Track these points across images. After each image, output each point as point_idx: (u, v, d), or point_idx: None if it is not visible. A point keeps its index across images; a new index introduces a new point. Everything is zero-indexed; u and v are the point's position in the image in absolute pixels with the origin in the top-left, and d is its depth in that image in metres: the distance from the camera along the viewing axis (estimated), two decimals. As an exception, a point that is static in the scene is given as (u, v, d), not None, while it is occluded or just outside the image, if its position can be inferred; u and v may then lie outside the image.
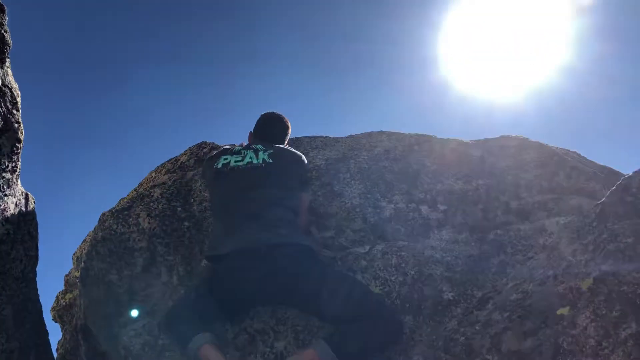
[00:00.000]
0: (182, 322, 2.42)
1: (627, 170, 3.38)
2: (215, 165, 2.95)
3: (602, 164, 3.69)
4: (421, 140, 3.75)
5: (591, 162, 3.65)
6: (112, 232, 3.10)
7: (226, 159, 2.94)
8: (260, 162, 2.85)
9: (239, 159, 2.89)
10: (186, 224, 3.19)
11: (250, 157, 2.87)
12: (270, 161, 2.86)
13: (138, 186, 3.83)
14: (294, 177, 2.94)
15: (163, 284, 2.97)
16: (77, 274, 3.55)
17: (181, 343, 2.35)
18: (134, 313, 2.86)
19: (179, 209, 3.26)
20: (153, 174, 3.92)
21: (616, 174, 3.44)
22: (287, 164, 2.92)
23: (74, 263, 4.03)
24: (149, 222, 3.13)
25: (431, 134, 3.82)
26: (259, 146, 2.98)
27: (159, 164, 3.98)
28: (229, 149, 3.04)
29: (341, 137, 3.89)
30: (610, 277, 1.98)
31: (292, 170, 2.94)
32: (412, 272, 2.78)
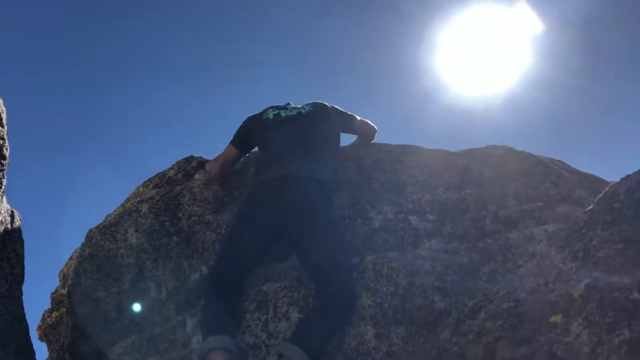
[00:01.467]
0: (209, 309, 2.66)
1: (609, 179, 3.43)
2: (265, 117, 3.32)
3: (585, 172, 3.74)
4: (408, 151, 3.77)
5: (575, 170, 3.70)
6: (100, 249, 3.06)
7: (275, 112, 3.32)
8: (307, 111, 3.33)
9: (287, 111, 3.33)
10: (175, 238, 3.16)
11: (297, 109, 3.35)
12: (312, 109, 3.36)
13: (125, 201, 3.79)
14: (333, 121, 3.40)
15: (152, 299, 2.94)
16: (64, 291, 3.49)
17: (202, 333, 2.56)
18: (137, 307, 2.87)
19: (167, 223, 3.23)
20: (140, 189, 3.89)
21: (601, 182, 3.49)
22: (325, 112, 3.41)
23: (60, 280, 3.97)
24: (137, 238, 3.10)
25: (418, 145, 3.84)
26: (299, 106, 3.46)
27: (146, 179, 3.95)
28: (274, 105, 3.43)
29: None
30: (602, 284, 2.00)
31: (329, 115, 3.40)
32: (404, 283, 2.78)
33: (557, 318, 2.05)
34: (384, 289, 2.75)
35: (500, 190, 3.39)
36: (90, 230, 3.23)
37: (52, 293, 3.98)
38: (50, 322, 3.76)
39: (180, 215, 3.31)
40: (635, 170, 2.50)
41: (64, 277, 3.89)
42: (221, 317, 2.56)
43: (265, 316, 2.71)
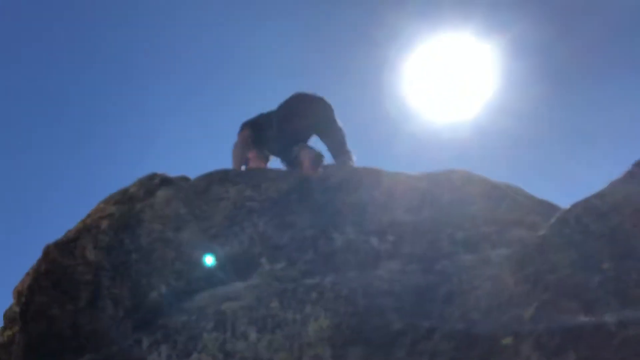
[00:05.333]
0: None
1: (568, 202, 3.55)
2: None
3: (540, 198, 3.86)
4: (371, 173, 3.84)
5: (531, 195, 3.82)
6: (57, 265, 3.01)
7: None
8: None
9: None
10: (134, 256, 3.13)
11: None
12: None
13: (85, 217, 3.73)
14: None
15: (109, 317, 2.90)
16: (18, 309, 3.41)
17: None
18: (209, 260, 3.05)
19: (126, 240, 3.20)
20: (101, 205, 3.84)
21: (554, 208, 3.61)
22: None
23: (14, 298, 3.86)
24: (95, 255, 3.06)
25: (380, 168, 3.91)
26: None
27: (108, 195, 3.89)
28: None
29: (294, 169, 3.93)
30: (550, 307, 2.08)
31: None
32: (362, 303, 2.81)
33: (508, 340, 2.11)
34: (343, 310, 2.78)
35: (458, 213, 3.47)
36: (47, 246, 3.17)
37: (6, 311, 3.87)
38: (2, 341, 3.65)
39: (141, 232, 3.28)
40: (590, 195, 2.62)
41: (18, 295, 3.79)
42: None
43: (222, 336, 2.71)
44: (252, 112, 4.89)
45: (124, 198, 3.73)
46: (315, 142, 4.65)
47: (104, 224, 3.27)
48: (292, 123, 4.51)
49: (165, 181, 3.78)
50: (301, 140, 4.39)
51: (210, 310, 2.86)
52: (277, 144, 4.62)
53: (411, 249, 3.31)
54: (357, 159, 4.56)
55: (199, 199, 3.54)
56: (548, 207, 3.62)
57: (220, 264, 3.16)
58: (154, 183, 3.78)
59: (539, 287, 2.18)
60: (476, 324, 2.24)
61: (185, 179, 3.65)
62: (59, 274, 2.97)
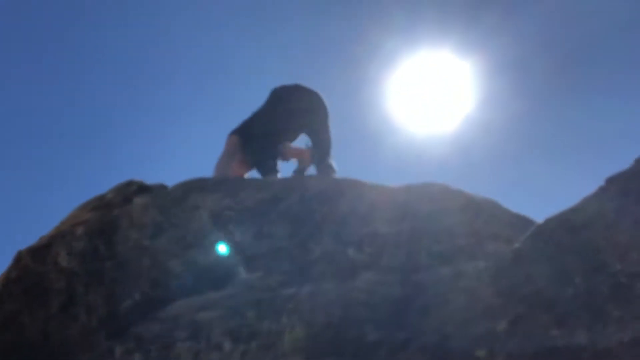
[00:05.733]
0: None
1: (539, 219, 3.60)
2: None
3: (517, 212, 3.91)
4: (351, 184, 3.85)
5: (507, 210, 3.86)
6: (29, 271, 2.96)
7: None
8: None
9: None
10: (109, 263, 3.09)
11: None
12: None
13: (60, 223, 3.68)
14: None
15: (81, 325, 2.85)
16: (-14, 316, 3.33)
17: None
18: (222, 248, 3.07)
19: (101, 247, 3.16)
20: (77, 212, 3.78)
21: (530, 222, 3.65)
22: None
23: (-18, 304, 3.78)
24: (68, 261, 3.01)
25: (360, 179, 3.93)
26: None
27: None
28: None
29: (273, 179, 3.93)
30: (524, 320, 2.10)
31: None
32: (339, 314, 2.81)
33: (481, 353, 2.12)
34: (319, 320, 2.77)
35: (435, 226, 3.50)
36: (19, 252, 3.12)
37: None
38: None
39: (116, 239, 3.24)
40: (564, 209, 2.66)
41: (-13, 301, 3.71)
42: None
43: (197, 346, 2.68)
44: (231, 125, 4.59)
45: (101, 204, 3.69)
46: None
47: (79, 230, 3.23)
48: (284, 116, 4.35)
49: (143, 188, 3.75)
50: (288, 138, 4.33)
51: (185, 320, 2.83)
52: (261, 139, 4.31)
53: (389, 260, 3.31)
54: (339, 171, 4.54)
55: (176, 207, 3.51)
56: (524, 221, 3.66)
57: (196, 273, 3.14)
58: (131, 190, 3.74)
59: (513, 300, 2.20)
60: (451, 337, 2.25)
61: (162, 186, 3.62)
62: (30, 281, 2.92)
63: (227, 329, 2.74)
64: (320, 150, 4.45)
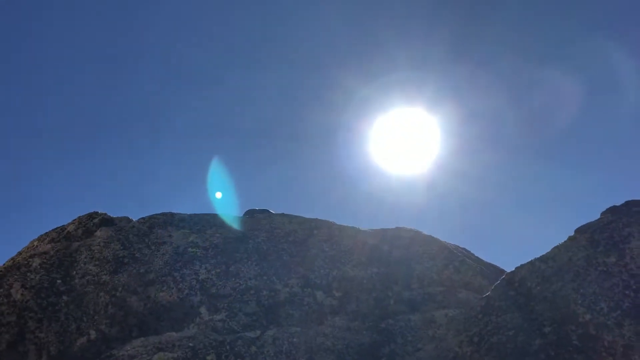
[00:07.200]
0: None
1: (510, 267, 3.58)
2: None
3: (488, 261, 3.90)
4: (321, 225, 3.79)
5: (479, 259, 3.85)
6: (-23, 303, 2.79)
7: None
8: None
9: None
10: (65, 298, 2.95)
11: None
12: None
13: (17, 254, 3.52)
14: None
15: (28, 364, 2.68)
16: None
17: None
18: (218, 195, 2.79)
19: (58, 281, 3.02)
20: (35, 243, 3.63)
21: (501, 272, 3.63)
22: None
23: None
24: (22, 294, 2.86)
25: (331, 220, 3.87)
26: None
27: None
28: None
29: (242, 217, 3.86)
30: (492, 370, 2.03)
31: None
32: (303, 360, 2.70)
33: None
34: (282, 365, 2.66)
35: (406, 272, 3.45)
36: (-31, 283, 2.95)
37: None
38: None
39: (75, 273, 3.10)
40: (534, 258, 2.64)
41: None
42: None
43: (152, 388, 2.53)
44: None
45: (60, 236, 3.55)
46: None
47: (36, 262, 3.09)
48: None
49: (106, 221, 3.63)
50: None
51: (141, 361, 2.69)
52: None
53: (357, 305, 3.24)
54: (311, 212, 4.45)
55: (140, 241, 3.39)
56: (496, 272, 3.63)
57: (156, 311, 3.01)
58: (93, 222, 3.62)
59: (483, 349, 2.15)
60: (417, 386, 2.17)
61: (127, 219, 3.51)
62: (-22, 314, 2.76)
63: (185, 372, 2.61)
64: None
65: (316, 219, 3.87)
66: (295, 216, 3.87)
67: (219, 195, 2.94)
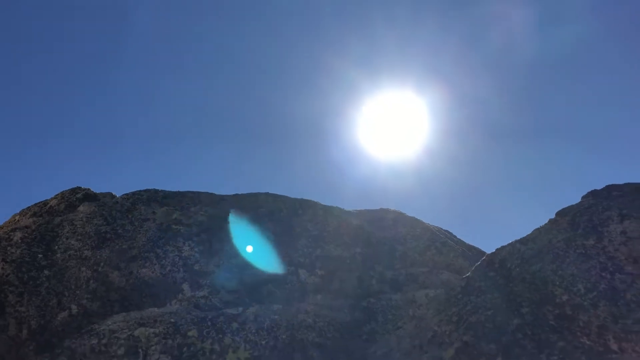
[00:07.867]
0: None
1: (491, 248, 3.62)
2: None
3: (470, 244, 3.94)
4: (305, 205, 3.79)
5: (461, 241, 3.88)
6: (-44, 276, 2.77)
7: None
8: None
9: None
10: (46, 272, 2.93)
11: None
12: None
13: (-3, 228, 3.49)
14: None
15: (10, 338, 2.67)
16: None
17: None
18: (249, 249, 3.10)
19: (40, 255, 3.00)
20: (17, 217, 3.60)
21: (483, 254, 3.67)
22: None
23: None
24: (2, 268, 2.84)
25: (316, 200, 3.88)
26: None
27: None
28: None
29: (226, 195, 3.84)
30: (470, 349, 2.06)
31: None
32: (284, 337, 2.72)
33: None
34: (264, 342, 2.68)
35: (389, 253, 3.47)
36: (-51, 256, 2.92)
37: None
38: None
39: (56, 247, 3.08)
40: (515, 240, 2.67)
41: None
42: None
43: (133, 363, 2.54)
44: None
45: (42, 211, 3.52)
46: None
47: (17, 236, 3.06)
48: None
49: (89, 196, 3.60)
50: None
51: (123, 335, 2.69)
52: None
53: (340, 284, 3.26)
54: (297, 192, 4.45)
55: (123, 217, 3.38)
56: (478, 254, 3.67)
57: (138, 287, 3.01)
58: (76, 197, 3.59)
59: (461, 328, 2.18)
60: (396, 363, 2.20)
61: (110, 195, 3.49)
62: (-43, 287, 2.74)
63: (166, 347, 2.62)
64: None
65: (301, 198, 3.88)
66: (280, 195, 3.87)
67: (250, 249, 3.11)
